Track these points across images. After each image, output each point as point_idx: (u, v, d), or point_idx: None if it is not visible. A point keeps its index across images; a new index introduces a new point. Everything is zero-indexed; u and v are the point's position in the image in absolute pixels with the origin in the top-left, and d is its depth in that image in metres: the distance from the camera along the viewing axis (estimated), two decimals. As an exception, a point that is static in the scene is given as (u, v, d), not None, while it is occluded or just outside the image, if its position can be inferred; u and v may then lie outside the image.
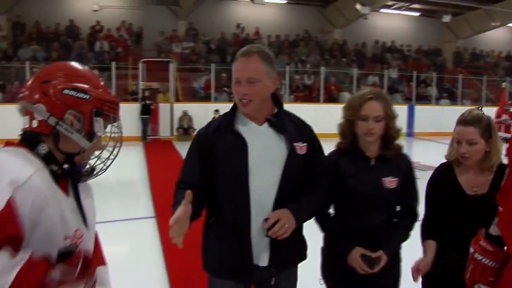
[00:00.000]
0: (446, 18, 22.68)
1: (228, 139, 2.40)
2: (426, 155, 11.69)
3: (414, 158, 13.06)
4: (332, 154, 2.79)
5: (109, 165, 1.76)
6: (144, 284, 4.68)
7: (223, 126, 2.45)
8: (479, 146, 2.62)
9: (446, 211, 2.75)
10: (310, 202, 2.49)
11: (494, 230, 2.47)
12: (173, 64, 18.17)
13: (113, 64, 17.29)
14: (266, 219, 2.31)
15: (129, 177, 10.81)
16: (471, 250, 2.53)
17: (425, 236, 2.85)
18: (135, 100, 17.24)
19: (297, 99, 19.22)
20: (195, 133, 2.69)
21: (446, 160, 2.83)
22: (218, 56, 20.14)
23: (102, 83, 1.72)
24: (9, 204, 1.41)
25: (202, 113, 16.49)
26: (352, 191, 2.67)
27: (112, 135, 1.76)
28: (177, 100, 18.04)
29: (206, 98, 18.28)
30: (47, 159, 1.60)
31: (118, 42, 20.72)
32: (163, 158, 13.41)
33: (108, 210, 7.26)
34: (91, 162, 1.76)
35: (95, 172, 1.74)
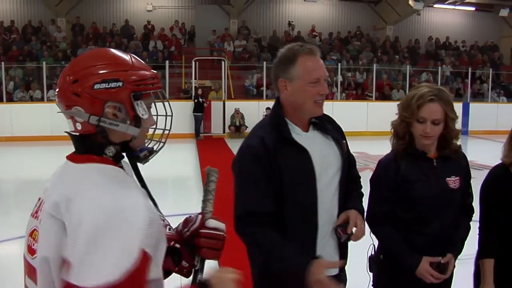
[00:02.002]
0: (504, 12, 22.05)
1: (289, 151, 2.21)
2: (482, 154, 11.43)
3: (470, 157, 12.79)
4: (389, 159, 2.61)
5: (165, 141, 1.65)
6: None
7: (279, 136, 2.22)
8: None
9: (506, 219, 2.57)
10: (359, 198, 2.42)
11: None
12: (225, 62, 18.38)
13: (167, 63, 17.69)
14: (339, 226, 2.24)
15: (182, 173, 11.06)
16: None
17: (483, 254, 2.64)
18: (188, 98, 17.57)
19: (348, 97, 19.13)
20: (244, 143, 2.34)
21: (501, 162, 2.67)
22: (269, 54, 20.26)
23: (130, 59, 1.56)
24: (142, 256, 1.33)
25: (254, 111, 16.66)
26: (419, 195, 2.49)
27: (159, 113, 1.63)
28: (229, 97, 18.26)
29: (258, 96, 18.44)
30: (116, 159, 1.55)
31: (171, 41, 21.16)
32: (216, 155, 13.62)
33: (162, 205, 7.45)
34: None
35: (155, 150, 1.64)
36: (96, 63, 1.50)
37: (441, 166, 2.53)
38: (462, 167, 2.60)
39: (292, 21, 22.99)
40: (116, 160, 1.54)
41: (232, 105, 17.55)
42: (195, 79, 17.90)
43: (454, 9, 25.40)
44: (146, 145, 1.62)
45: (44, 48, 19.10)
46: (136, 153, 1.58)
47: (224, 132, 17.56)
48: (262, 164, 2.17)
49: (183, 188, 10.00)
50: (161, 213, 1.63)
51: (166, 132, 1.62)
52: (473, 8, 25.77)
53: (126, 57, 1.55)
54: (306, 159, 2.21)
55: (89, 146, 1.52)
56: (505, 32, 26.31)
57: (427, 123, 2.42)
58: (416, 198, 2.50)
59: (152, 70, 1.58)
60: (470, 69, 20.55)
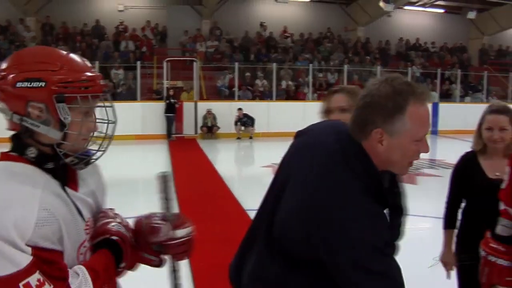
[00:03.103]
0: (472, 15, 22.48)
1: None
2: (451, 153, 11.67)
3: (438, 156, 12.98)
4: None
5: (106, 147, 1.58)
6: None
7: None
8: (509, 132, 2.87)
9: (468, 195, 2.98)
10: None
11: (501, 230, 2.55)
12: (197, 63, 18.36)
13: (138, 64, 17.57)
14: None
15: (153, 174, 10.97)
16: (483, 253, 2.59)
17: (447, 225, 3.17)
18: (160, 99, 17.49)
19: (320, 97, 19.24)
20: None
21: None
22: (241, 54, 20.30)
23: (71, 61, 1.49)
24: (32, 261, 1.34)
25: (226, 111, 16.70)
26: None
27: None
28: (201, 98, 18.21)
29: (230, 97, 18.45)
30: (39, 161, 1.48)
31: (143, 42, 21.03)
32: (188, 156, 13.61)
33: (133, 206, 7.40)
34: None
35: (92, 158, 1.58)
36: (25, 60, 1.46)
37: None
38: None
39: (264, 22, 23.04)
40: (39, 162, 1.48)
41: (204, 106, 17.51)
42: (167, 79, 17.81)
43: (423, 11, 25.80)
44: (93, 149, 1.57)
45: (12, 48, 18.75)
46: (59, 158, 1.49)
47: (196, 133, 17.51)
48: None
49: (154, 188, 9.93)
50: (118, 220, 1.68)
51: (107, 138, 1.57)
52: (442, 10, 26.23)
53: (63, 57, 1.49)
54: None
55: (16, 145, 1.50)
56: (473, 34, 26.93)
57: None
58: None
59: (90, 73, 1.51)
60: (439, 70, 20.85)
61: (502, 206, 2.56)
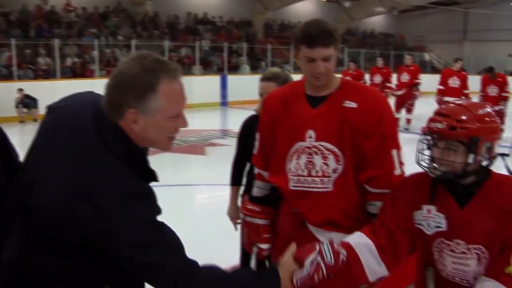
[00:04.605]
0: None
1: None
2: (238, 123, 12.16)
3: (228, 126, 13.46)
4: None
5: None
6: None
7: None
8: None
9: (250, 156, 3.11)
10: None
11: (256, 191, 2.72)
12: (-35, 40, 16.47)
13: None
14: None
15: None
16: (242, 216, 2.78)
17: (232, 182, 3.52)
18: None
19: (108, 74, 18.63)
20: None
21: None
22: (20, 30, 18.68)
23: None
24: None
25: (3, 92, 15.28)
26: None
27: None
28: (-26, 78, 16.44)
29: (8, 77, 16.91)
30: None
31: None
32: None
33: None
34: None
35: None
36: None
37: None
38: None
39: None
40: None
41: (-23, 87, 15.84)
42: None
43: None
44: None
45: None
46: None
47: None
48: None
49: None
50: None
51: None
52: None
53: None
54: None
55: None
56: (258, 9, 28.47)
57: None
58: None
59: None
60: (227, 43, 21.55)
61: (256, 170, 2.73)
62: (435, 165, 2.06)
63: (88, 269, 1.75)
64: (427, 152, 2.10)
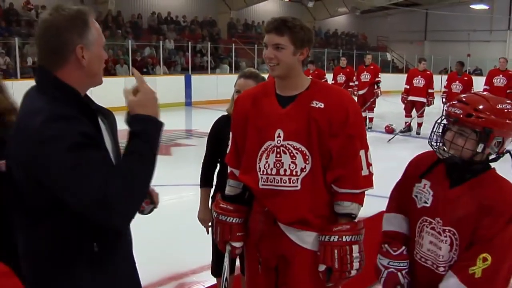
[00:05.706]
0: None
1: None
2: (204, 123, 12.18)
3: (193, 126, 13.41)
4: None
5: None
6: None
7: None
8: None
9: (221, 157, 3.12)
10: None
11: (228, 190, 2.75)
12: None
13: None
14: None
15: None
16: (215, 214, 2.74)
17: (202, 183, 3.41)
18: None
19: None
20: None
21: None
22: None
23: None
24: None
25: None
26: None
27: None
28: None
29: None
30: None
31: None
32: None
33: None
34: None
35: None
36: None
37: None
38: None
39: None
40: None
41: None
42: None
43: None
44: None
45: None
46: None
47: None
48: None
49: None
50: None
51: None
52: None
53: None
54: None
55: None
56: (222, 8, 28.40)
57: None
58: None
59: None
60: (190, 43, 21.44)
61: (229, 169, 2.75)
62: (444, 148, 2.20)
63: (73, 229, 1.77)
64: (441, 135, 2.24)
